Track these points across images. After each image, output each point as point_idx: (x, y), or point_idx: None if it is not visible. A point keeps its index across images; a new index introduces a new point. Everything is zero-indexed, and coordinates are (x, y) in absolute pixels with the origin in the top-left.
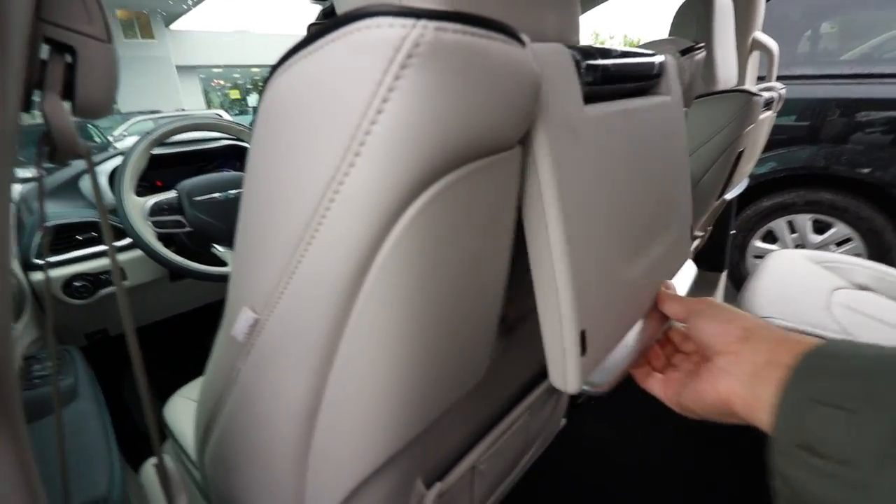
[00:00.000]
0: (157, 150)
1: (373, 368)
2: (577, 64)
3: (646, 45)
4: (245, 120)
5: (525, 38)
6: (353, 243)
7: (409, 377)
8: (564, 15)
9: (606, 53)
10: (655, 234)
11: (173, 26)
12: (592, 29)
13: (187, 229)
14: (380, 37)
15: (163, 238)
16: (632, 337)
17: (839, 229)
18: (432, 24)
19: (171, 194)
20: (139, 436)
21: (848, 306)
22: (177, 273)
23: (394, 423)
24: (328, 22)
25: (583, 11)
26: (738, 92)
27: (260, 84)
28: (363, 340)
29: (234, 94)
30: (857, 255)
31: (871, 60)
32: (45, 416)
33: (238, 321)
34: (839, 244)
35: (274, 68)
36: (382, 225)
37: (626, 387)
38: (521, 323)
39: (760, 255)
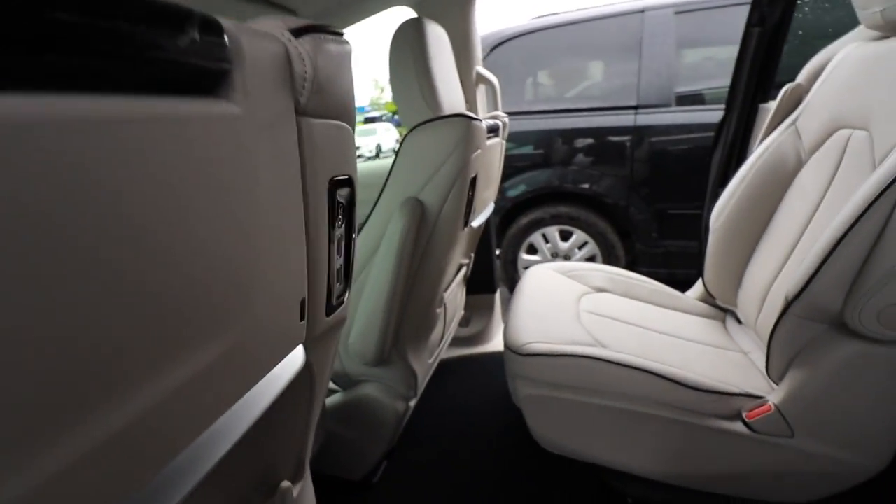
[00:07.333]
0: None
1: None
2: None
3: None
4: None
5: None
6: None
7: None
8: None
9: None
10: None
11: None
12: (372, 77)
13: None
14: None
15: None
16: None
17: (578, 235)
18: None
19: None
20: None
21: (592, 311)
22: None
23: None
24: None
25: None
26: (458, 116)
27: None
28: None
29: None
30: (594, 255)
31: (582, 99)
32: None
33: None
34: (580, 248)
35: None
36: None
37: None
38: None
39: (529, 265)
